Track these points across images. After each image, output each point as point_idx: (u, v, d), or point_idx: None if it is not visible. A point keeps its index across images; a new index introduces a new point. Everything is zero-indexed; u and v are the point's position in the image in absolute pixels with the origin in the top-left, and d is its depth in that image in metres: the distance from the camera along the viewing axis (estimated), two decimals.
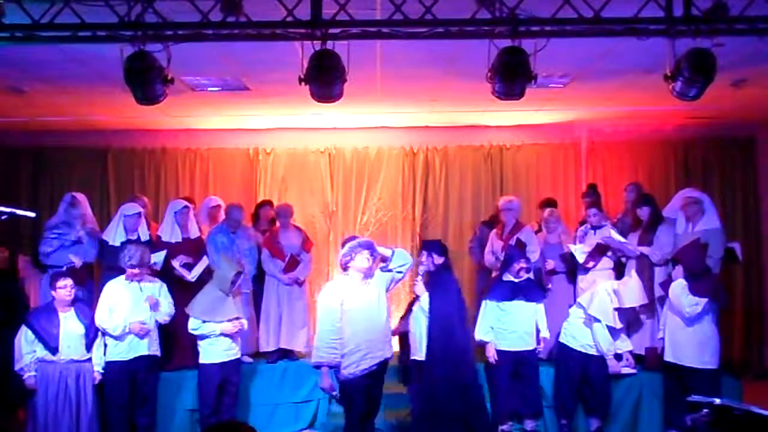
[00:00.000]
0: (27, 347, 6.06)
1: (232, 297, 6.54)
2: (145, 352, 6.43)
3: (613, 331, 6.70)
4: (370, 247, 5.59)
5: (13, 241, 7.96)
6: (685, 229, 6.94)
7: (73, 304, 6.25)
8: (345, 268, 5.59)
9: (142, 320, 6.37)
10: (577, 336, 6.73)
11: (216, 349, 6.50)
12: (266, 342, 7.46)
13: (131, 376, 6.39)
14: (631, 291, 6.75)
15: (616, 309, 6.68)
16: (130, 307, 6.38)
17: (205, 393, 6.53)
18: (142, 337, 6.37)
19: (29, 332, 6.08)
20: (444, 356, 6.01)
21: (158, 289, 6.55)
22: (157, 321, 6.51)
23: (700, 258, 6.50)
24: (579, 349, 6.72)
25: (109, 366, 6.35)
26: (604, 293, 6.69)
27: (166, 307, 6.54)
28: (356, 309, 5.46)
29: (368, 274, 5.59)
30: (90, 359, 6.27)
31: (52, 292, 6.20)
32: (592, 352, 6.70)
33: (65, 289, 6.15)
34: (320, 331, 5.45)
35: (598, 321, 6.62)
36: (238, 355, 6.68)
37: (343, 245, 5.78)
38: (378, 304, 5.61)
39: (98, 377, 6.25)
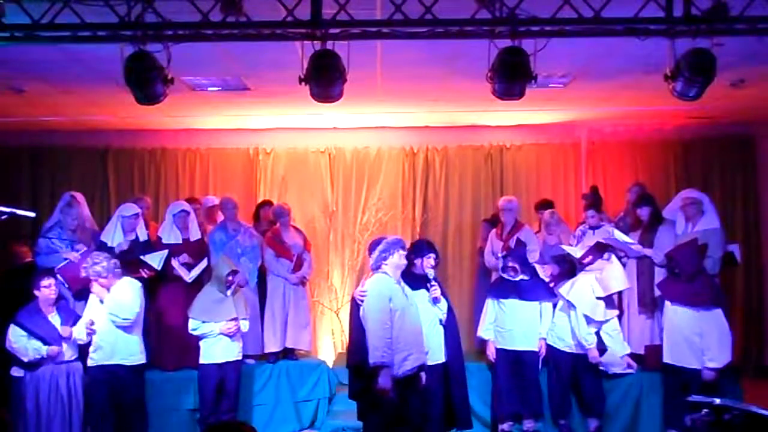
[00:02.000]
0: (23, 341, 6.00)
1: (232, 297, 6.55)
2: (118, 360, 6.20)
3: (598, 324, 6.67)
4: (404, 246, 5.54)
5: (12, 242, 7.94)
6: (685, 229, 6.94)
7: (55, 304, 6.19)
8: (378, 267, 5.44)
9: (91, 323, 6.16)
10: (564, 336, 6.72)
11: (215, 350, 6.52)
12: (272, 343, 7.47)
13: (108, 382, 6.18)
14: (615, 275, 6.71)
15: (600, 298, 6.64)
16: (90, 312, 6.27)
17: (205, 393, 6.55)
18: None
19: (18, 330, 6.01)
20: (457, 359, 6.00)
21: (123, 288, 6.25)
22: (123, 327, 6.22)
23: (695, 258, 6.49)
24: (566, 349, 6.71)
25: (88, 371, 6.25)
26: (585, 284, 6.67)
27: (125, 312, 6.15)
28: (402, 309, 5.34)
29: (399, 275, 5.52)
30: (77, 359, 6.26)
31: (36, 292, 6.12)
32: (580, 351, 6.68)
33: (49, 288, 6.10)
34: (375, 330, 5.21)
35: (574, 307, 6.59)
36: (239, 357, 6.67)
37: (371, 247, 5.61)
38: (414, 305, 5.58)
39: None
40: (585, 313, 6.58)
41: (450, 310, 5.96)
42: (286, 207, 7.87)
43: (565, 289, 6.76)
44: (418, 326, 5.51)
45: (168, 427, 6.91)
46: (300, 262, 7.58)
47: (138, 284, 6.41)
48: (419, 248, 5.94)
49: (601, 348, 6.68)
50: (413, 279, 5.70)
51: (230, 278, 6.53)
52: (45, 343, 6.02)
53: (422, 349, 5.48)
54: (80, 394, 6.21)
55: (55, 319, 6.13)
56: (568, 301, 6.67)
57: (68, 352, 6.17)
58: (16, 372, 6.13)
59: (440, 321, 5.87)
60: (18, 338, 6.02)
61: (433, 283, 5.79)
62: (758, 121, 9.01)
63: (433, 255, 5.89)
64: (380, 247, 5.47)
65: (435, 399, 5.79)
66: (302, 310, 7.62)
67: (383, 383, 5.20)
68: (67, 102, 7.56)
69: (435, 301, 5.80)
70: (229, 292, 6.54)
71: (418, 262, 5.80)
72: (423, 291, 5.76)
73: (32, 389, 6.06)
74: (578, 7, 4.76)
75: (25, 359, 6.03)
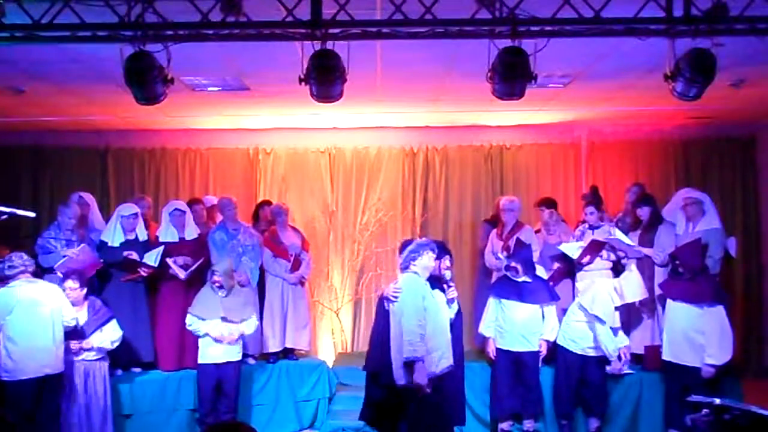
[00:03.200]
0: None
1: (225, 297, 6.55)
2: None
3: (613, 331, 6.69)
4: (434, 249, 5.54)
5: (13, 241, 7.95)
6: (686, 229, 6.94)
7: (83, 303, 6.23)
8: (407, 267, 5.46)
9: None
10: (577, 339, 6.70)
11: (213, 350, 6.56)
12: (272, 343, 7.46)
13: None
14: (633, 285, 6.73)
15: (617, 308, 6.67)
16: None
17: (203, 393, 6.60)
18: None
19: None
20: (459, 358, 6.05)
21: None
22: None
23: (699, 257, 6.51)
24: (578, 352, 6.70)
25: None
26: (605, 294, 6.67)
27: None
28: (434, 309, 5.37)
29: (427, 276, 5.52)
30: (103, 358, 6.31)
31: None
32: (591, 353, 6.68)
33: (65, 291, 6.14)
34: (410, 326, 5.21)
35: (602, 322, 6.59)
36: (237, 358, 6.67)
37: (402, 247, 5.66)
38: (443, 306, 5.61)
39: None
40: (611, 326, 6.60)
41: (459, 310, 5.99)
42: (284, 207, 7.87)
43: (587, 303, 6.72)
44: (446, 325, 5.55)
45: (168, 427, 6.91)
46: (298, 262, 7.57)
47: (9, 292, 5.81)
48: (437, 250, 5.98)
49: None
50: (429, 279, 5.74)
51: (216, 278, 6.55)
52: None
53: (450, 347, 5.53)
54: (101, 394, 6.22)
55: (83, 317, 6.15)
56: (594, 316, 6.65)
57: (90, 352, 6.20)
58: None
59: (450, 320, 5.90)
60: None
61: (451, 284, 5.82)
62: (758, 121, 9.02)
63: (448, 257, 5.92)
64: (410, 248, 5.50)
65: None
66: (301, 310, 7.62)
67: (419, 378, 5.19)
68: (67, 102, 7.56)
69: (450, 301, 5.82)
70: (221, 293, 6.55)
71: (435, 263, 5.83)
72: (437, 291, 5.76)
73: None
74: (578, 7, 4.76)
75: None
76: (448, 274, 5.81)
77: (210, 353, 6.56)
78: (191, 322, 6.56)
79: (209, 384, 6.55)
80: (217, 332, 6.52)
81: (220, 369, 6.56)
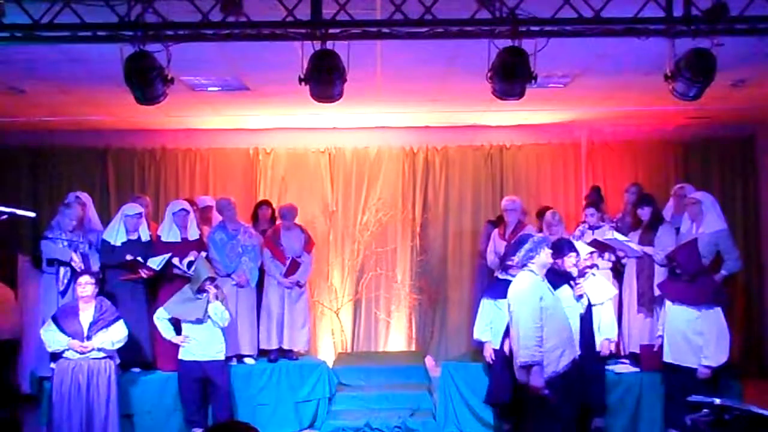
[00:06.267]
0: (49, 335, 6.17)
1: (206, 303, 6.55)
2: None
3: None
4: (549, 245, 5.57)
5: (13, 241, 7.96)
6: (689, 229, 6.94)
7: (93, 302, 6.27)
8: (524, 265, 5.47)
9: None
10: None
11: (190, 347, 6.61)
12: (267, 341, 7.46)
13: None
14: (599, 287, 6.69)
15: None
16: None
17: (183, 390, 6.66)
18: None
19: (52, 323, 6.20)
20: (592, 350, 6.24)
21: None
22: None
23: (697, 258, 6.50)
24: None
25: None
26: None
27: None
28: (552, 306, 5.38)
29: (544, 273, 5.52)
30: (110, 357, 6.31)
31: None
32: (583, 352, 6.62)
33: (80, 285, 6.23)
34: (525, 329, 5.23)
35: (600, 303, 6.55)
36: (219, 357, 6.67)
37: (515, 245, 5.69)
38: (570, 302, 5.65)
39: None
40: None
41: (590, 304, 6.09)
42: (293, 208, 7.75)
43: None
44: (567, 322, 5.57)
45: (168, 427, 6.91)
46: (296, 266, 7.52)
47: None
48: (560, 248, 5.98)
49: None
50: (555, 276, 5.75)
51: (206, 284, 6.54)
52: (70, 337, 6.14)
53: (573, 344, 5.55)
54: (104, 393, 6.22)
55: (86, 315, 6.21)
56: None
57: (94, 351, 6.20)
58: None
59: (580, 314, 5.95)
60: (47, 329, 6.20)
61: (579, 280, 5.89)
62: (758, 121, 9.02)
63: (574, 254, 5.98)
64: (527, 246, 5.50)
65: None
66: (299, 310, 7.57)
67: (536, 382, 5.24)
68: (67, 102, 7.57)
69: (579, 297, 5.89)
70: (204, 295, 6.57)
71: (559, 261, 5.86)
72: (565, 287, 5.83)
73: (58, 381, 6.18)
74: (578, 7, 4.76)
75: (49, 350, 6.24)
76: (575, 271, 5.90)
77: (187, 350, 6.61)
78: (160, 316, 6.61)
79: (188, 381, 6.61)
80: (174, 338, 6.63)
81: (201, 367, 6.59)
